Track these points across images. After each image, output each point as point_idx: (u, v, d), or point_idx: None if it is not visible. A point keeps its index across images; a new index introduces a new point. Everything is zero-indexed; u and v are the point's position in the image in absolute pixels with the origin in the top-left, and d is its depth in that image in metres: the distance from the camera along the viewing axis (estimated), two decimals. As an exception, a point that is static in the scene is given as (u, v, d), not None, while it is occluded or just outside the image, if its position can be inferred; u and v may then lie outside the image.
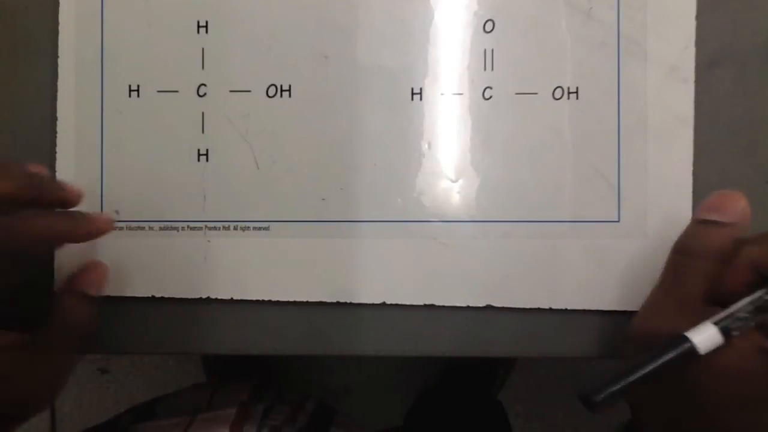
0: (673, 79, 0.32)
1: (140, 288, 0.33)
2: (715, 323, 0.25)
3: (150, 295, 0.33)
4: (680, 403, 0.27)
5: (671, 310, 0.28)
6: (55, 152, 0.33)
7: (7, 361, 0.29)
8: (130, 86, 0.33)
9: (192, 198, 0.33)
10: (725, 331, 0.25)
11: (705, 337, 0.25)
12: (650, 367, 0.24)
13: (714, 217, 0.28)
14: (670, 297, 0.29)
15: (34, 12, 0.33)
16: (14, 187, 0.28)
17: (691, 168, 0.32)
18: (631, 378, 0.24)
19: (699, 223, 0.29)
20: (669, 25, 0.32)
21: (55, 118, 0.33)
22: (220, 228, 0.33)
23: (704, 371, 0.25)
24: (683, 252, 0.29)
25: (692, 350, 0.25)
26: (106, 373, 1.05)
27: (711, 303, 0.27)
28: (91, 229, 0.30)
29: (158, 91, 0.33)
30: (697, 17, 0.32)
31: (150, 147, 0.33)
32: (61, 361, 0.31)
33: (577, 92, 0.32)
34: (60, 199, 0.30)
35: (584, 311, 0.32)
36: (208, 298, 0.33)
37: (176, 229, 0.33)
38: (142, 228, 0.33)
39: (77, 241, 0.31)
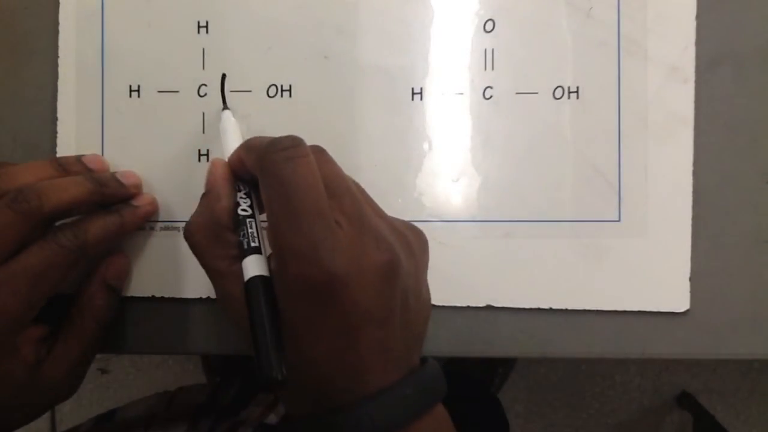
0: (673, 79, 0.32)
1: (140, 288, 0.33)
2: (246, 248, 0.26)
3: (150, 295, 0.33)
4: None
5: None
6: (56, 152, 0.33)
7: (36, 354, 0.29)
8: (130, 86, 0.33)
9: (193, 198, 0.32)
10: (248, 246, 0.26)
11: (251, 263, 0.25)
12: (263, 319, 0.24)
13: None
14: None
15: (34, 12, 0.33)
16: (88, 193, 0.29)
17: (691, 168, 0.32)
18: (269, 336, 0.23)
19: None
20: (669, 25, 0.32)
21: (55, 118, 0.33)
22: (220, 228, 0.33)
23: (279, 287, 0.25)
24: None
25: (261, 279, 0.25)
26: (106, 373, 1.04)
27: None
28: (138, 218, 0.31)
29: (158, 91, 0.33)
30: (697, 17, 0.32)
31: (150, 147, 0.33)
32: (82, 352, 0.31)
33: (577, 92, 0.32)
34: (122, 197, 0.31)
35: (584, 311, 0.32)
36: (208, 298, 0.33)
37: (177, 229, 0.33)
38: (143, 228, 0.33)
39: (131, 231, 0.32)
